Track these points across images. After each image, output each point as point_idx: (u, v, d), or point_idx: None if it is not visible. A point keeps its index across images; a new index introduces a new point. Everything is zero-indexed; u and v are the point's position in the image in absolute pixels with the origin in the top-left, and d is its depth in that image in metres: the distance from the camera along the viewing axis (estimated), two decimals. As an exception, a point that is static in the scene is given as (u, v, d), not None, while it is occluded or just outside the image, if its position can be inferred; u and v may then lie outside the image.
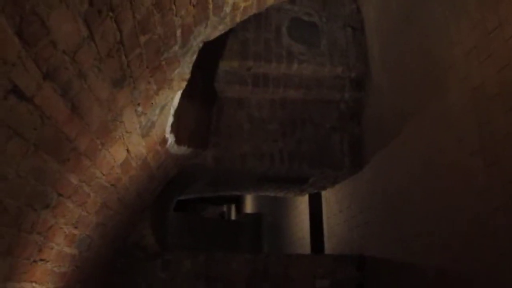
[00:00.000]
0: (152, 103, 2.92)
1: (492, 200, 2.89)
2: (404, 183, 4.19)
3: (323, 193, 6.75)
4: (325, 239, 6.60)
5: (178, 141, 3.94)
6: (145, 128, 3.13)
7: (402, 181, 4.24)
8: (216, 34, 3.10)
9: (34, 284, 2.64)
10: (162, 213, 5.76)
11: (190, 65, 3.13)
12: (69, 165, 2.35)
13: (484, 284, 2.95)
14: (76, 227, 2.94)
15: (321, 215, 6.87)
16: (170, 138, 3.78)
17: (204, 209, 19.27)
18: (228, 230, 13.05)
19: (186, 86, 3.34)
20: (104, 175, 2.94)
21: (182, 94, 3.51)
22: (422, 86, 3.88)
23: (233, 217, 19.38)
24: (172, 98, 3.26)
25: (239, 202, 18.91)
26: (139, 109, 2.79)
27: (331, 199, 6.32)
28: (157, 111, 3.12)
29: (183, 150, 4.21)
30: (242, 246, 12.76)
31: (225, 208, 21.04)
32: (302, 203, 8.18)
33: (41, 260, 2.61)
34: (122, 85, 2.35)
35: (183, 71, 3.02)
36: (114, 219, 3.72)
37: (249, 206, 16.87)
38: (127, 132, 2.85)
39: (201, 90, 4.58)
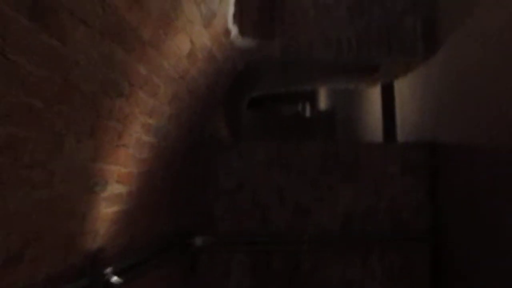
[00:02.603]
0: (210, -9, 2.92)
1: None
2: (478, 64, 3.96)
3: (396, 82, 6.56)
4: (398, 128, 6.53)
5: (242, 32, 3.95)
6: (207, 18, 3.16)
7: (477, 59, 4.01)
8: None
9: (119, 167, 2.93)
10: (235, 108, 5.95)
11: None
12: (135, 54, 2.48)
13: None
14: (151, 117, 3.15)
15: (394, 105, 6.75)
16: (234, 29, 3.80)
17: (280, 107, 19.53)
18: (303, 127, 13.24)
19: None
20: (171, 66, 3.07)
21: (243, -18, 3.45)
22: (504, -48, 3.50)
23: (307, 114, 19.52)
24: (231, -15, 3.23)
25: (313, 100, 18.92)
26: (198, -3, 2.81)
27: (404, 86, 6.15)
28: (217, 0, 3.12)
29: (249, 41, 4.23)
30: (316, 139, 12.95)
31: (299, 107, 21.17)
32: (374, 95, 8.03)
33: (123, 145, 2.86)
34: (177, -30, 2.37)
35: (239, -46, 2.95)
36: (187, 111, 3.92)
37: (323, 103, 16.85)
38: (189, 21, 2.90)
39: (263, -21, 4.46)
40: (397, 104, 6.58)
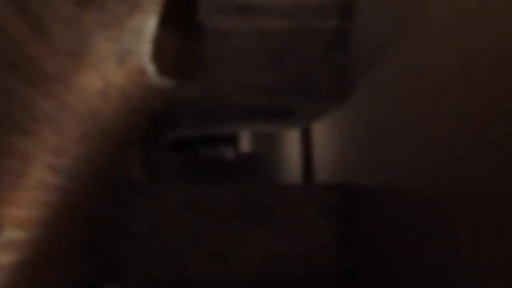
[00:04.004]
0: (124, 28, 2.85)
1: (470, 120, 2.89)
2: (390, 110, 4.19)
3: (313, 126, 6.77)
4: (316, 171, 6.69)
5: (159, 71, 3.89)
6: (121, 55, 3.08)
7: (388, 108, 4.24)
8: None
9: (18, 210, 2.68)
10: (152, 148, 5.80)
11: (163, -12, 3.03)
12: (38, 89, 2.33)
13: (472, 205, 3.01)
14: (56, 156, 2.95)
15: (312, 148, 6.93)
16: (150, 68, 3.73)
17: (201, 150, 19.45)
18: (224, 170, 13.23)
19: (165, 14, 3.26)
20: (81, 103, 2.92)
21: (161, 23, 3.43)
22: (405, 10, 3.79)
23: (229, 157, 19.60)
24: (147, 24, 3.19)
25: (235, 143, 19.08)
26: (111, 33, 2.73)
27: (321, 130, 6.35)
28: (132, 38, 3.06)
29: (166, 81, 4.17)
30: (236, 182, 12.97)
31: (221, 150, 21.23)
32: (293, 138, 8.23)
33: (22, 186, 2.64)
34: (86, 4, 2.29)
35: (155, -6, 2.93)
36: (98, 151, 3.74)
37: (245, 146, 17.01)
38: (100, 58, 2.80)
39: (182, 21, 4.48)
40: (314, 147, 6.76)
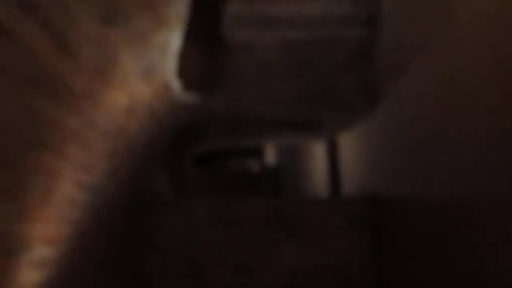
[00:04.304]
0: (150, 44, 2.87)
1: (507, 126, 2.79)
2: (419, 119, 4.10)
3: (339, 137, 6.68)
4: (342, 183, 6.59)
5: (184, 86, 3.90)
6: (146, 71, 3.09)
7: (416, 117, 4.15)
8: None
9: (46, 227, 2.70)
10: (178, 163, 5.81)
11: (187, 4, 3.05)
12: (66, 106, 2.34)
13: (502, 216, 2.90)
14: (84, 173, 2.97)
15: (338, 160, 6.84)
16: (176, 83, 3.75)
17: (226, 163, 19.49)
18: (249, 183, 13.21)
19: (189, 29, 3.27)
20: (108, 120, 2.94)
21: (185, 38, 3.44)
22: (432, 15, 3.71)
23: (253, 170, 19.59)
24: (172, 39, 3.20)
25: (260, 156, 19.07)
26: (136, 49, 2.74)
27: (347, 142, 6.26)
28: (157, 53, 3.07)
29: (191, 96, 4.18)
30: (262, 196, 12.94)
31: (246, 163, 21.24)
32: (319, 150, 8.15)
33: (50, 203, 2.65)
34: (113, 22, 2.30)
35: (179, 10, 2.94)
36: (126, 167, 3.76)
37: (270, 159, 16.96)
38: (126, 74, 2.82)
39: (206, 35, 4.50)
40: (341, 159, 6.67)
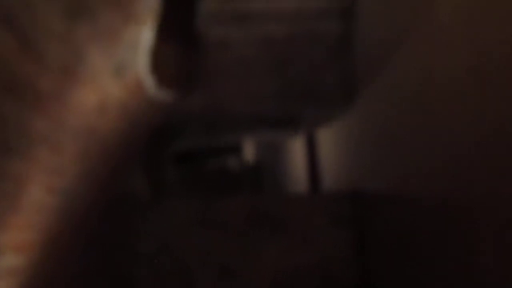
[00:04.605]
0: (120, 40, 2.75)
1: (485, 121, 2.76)
2: (398, 114, 4.06)
3: (318, 133, 6.64)
4: (322, 178, 6.55)
5: (159, 83, 3.78)
6: (117, 68, 2.97)
7: (395, 112, 4.11)
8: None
9: (13, 234, 2.56)
10: (155, 162, 5.68)
11: (159, -2, 2.93)
12: (31, 108, 2.21)
13: (484, 210, 2.87)
14: (54, 177, 2.83)
15: (317, 155, 6.80)
16: (150, 81, 3.62)
17: (205, 162, 19.34)
18: (229, 181, 13.11)
19: (162, 25, 3.16)
20: (78, 120, 2.81)
21: (159, 34, 3.32)
22: (411, 9, 3.67)
23: (233, 167, 19.49)
24: (144, 35, 3.08)
25: (239, 153, 18.98)
26: (105, 46, 2.62)
27: (326, 137, 6.22)
28: (128, 50, 2.95)
29: (166, 94, 4.06)
30: (242, 193, 12.85)
31: (225, 159, 21.13)
32: (298, 146, 8.10)
33: (16, 209, 2.52)
34: (78, 17, 2.18)
35: (150, 4, 2.82)
36: (99, 169, 3.62)
37: (249, 156, 16.88)
38: (95, 72, 2.69)
39: (181, 32, 4.37)
40: (320, 155, 6.63)
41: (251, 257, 4.80)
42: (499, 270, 2.64)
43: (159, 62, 3.77)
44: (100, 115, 3.09)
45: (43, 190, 2.72)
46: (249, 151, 17.20)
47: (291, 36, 4.95)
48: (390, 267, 4.34)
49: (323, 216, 4.95)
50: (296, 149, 8.37)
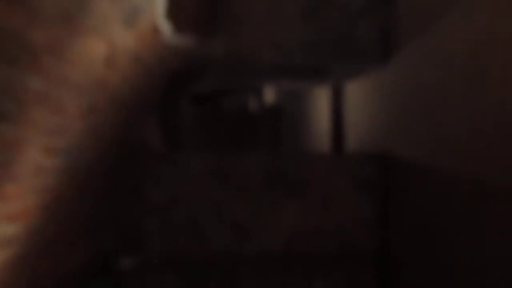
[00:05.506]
0: (132, -17, 2.32)
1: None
2: (443, 76, 3.60)
3: (346, 86, 6.18)
4: (346, 136, 6.17)
5: (177, 28, 3.36)
6: (129, 15, 2.56)
7: (440, 74, 3.65)
8: None
9: (10, 202, 2.30)
10: (171, 110, 5.34)
11: None
12: (24, 66, 1.85)
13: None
14: (54, 138, 2.52)
15: (343, 110, 6.38)
16: (166, 26, 3.20)
17: (223, 101, 18.89)
18: (247, 125, 12.76)
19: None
20: (82, 74, 2.45)
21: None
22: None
23: (252, 108, 19.08)
24: (161, -23, 2.63)
25: (259, 93, 18.47)
26: (114, -10, 2.20)
27: (355, 92, 5.77)
28: (141, -6, 2.52)
29: (185, 39, 3.64)
30: (261, 141, 12.53)
31: (245, 99, 20.65)
32: (323, 97, 7.65)
33: (13, 177, 2.23)
34: (78, -44, 1.76)
35: None
36: (108, 123, 3.30)
37: (269, 97, 16.39)
38: (103, 20, 2.29)
39: (204, -32, 3.87)
40: (347, 110, 6.21)
41: (266, 217, 4.55)
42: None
43: (177, 5, 3.32)
44: (109, 67, 2.72)
45: (41, 153, 2.42)
46: (270, 94, 16.70)
47: (327, -22, 4.40)
48: (411, 241, 4.06)
49: (345, 179, 4.63)
50: (320, 101, 7.93)
